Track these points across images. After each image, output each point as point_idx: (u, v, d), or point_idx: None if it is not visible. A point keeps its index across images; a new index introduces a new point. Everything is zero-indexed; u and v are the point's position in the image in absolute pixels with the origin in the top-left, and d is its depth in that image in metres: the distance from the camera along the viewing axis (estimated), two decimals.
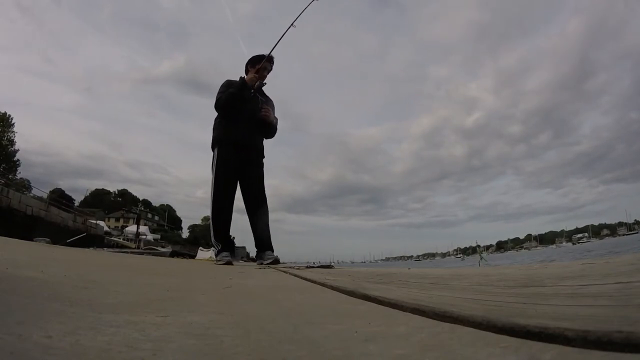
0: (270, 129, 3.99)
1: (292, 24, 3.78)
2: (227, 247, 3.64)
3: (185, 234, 70.27)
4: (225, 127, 3.81)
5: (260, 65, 3.78)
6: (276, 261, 3.41)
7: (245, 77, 3.83)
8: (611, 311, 0.50)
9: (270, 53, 3.85)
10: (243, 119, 3.77)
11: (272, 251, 3.62)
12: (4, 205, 16.06)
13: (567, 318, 0.44)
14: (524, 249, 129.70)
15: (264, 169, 3.97)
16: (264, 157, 4.00)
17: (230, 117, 3.79)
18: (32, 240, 6.49)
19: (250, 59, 3.93)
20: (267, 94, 4.04)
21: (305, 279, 1.52)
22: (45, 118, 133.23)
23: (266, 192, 3.92)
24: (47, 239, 7.52)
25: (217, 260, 3.58)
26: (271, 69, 3.93)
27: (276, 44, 3.81)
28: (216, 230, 3.69)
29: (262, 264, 3.37)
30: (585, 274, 1.02)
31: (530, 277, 1.09)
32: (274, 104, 4.08)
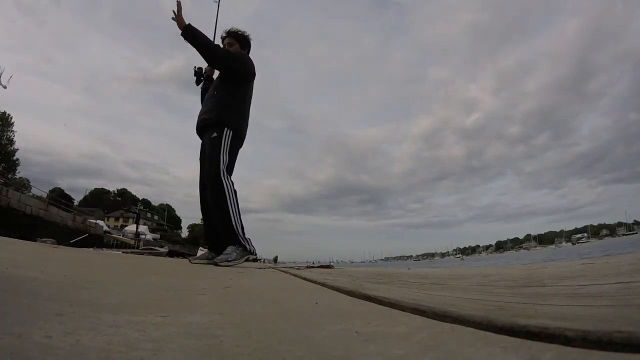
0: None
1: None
2: (210, 246, 3.27)
3: (184, 233, 70.20)
4: None
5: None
6: (215, 262, 2.67)
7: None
8: (611, 311, 0.50)
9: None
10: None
11: (236, 246, 2.78)
12: (3, 205, 16.06)
13: (567, 318, 0.44)
14: (523, 249, 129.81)
15: (223, 138, 2.98)
16: (217, 126, 3.02)
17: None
18: (34, 240, 6.26)
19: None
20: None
21: (305, 279, 1.52)
22: (45, 117, 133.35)
23: (223, 177, 2.89)
24: (53, 240, 7.14)
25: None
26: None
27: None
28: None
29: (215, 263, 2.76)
30: (585, 274, 1.02)
31: (530, 277, 1.09)
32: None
